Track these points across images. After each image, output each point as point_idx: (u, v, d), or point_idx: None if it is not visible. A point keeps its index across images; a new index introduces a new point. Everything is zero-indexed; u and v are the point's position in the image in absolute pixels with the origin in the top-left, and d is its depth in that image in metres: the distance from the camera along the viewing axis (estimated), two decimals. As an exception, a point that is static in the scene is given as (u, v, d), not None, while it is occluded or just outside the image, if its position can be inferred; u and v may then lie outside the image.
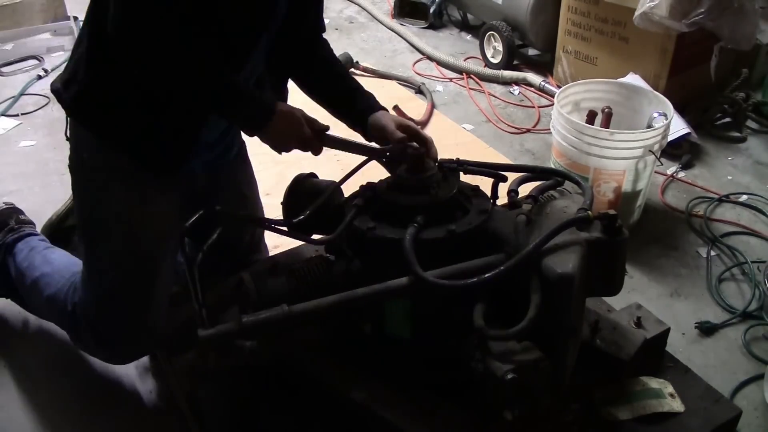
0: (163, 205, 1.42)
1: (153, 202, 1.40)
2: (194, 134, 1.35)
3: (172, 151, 1.35)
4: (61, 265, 1.61)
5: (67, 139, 1.42)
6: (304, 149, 1.33)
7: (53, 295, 1.57)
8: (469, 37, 3.73)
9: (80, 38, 1.33)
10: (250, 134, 1.31)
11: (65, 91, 1.36)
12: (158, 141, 1.33)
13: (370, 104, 1.44)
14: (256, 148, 1.72)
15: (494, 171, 1.30)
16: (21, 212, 1.85)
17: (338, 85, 1.49)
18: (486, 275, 1.04)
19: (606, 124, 2.14)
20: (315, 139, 1.32)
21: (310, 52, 1.50)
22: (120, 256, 1.41)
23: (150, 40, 1.17)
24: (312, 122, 1.32)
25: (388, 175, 1.33)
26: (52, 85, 1.39)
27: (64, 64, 1.44)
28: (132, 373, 1.65)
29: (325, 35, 1.54)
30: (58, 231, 1.80)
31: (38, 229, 1.84)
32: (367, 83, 3.10)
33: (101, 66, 1.30)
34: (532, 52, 3.46)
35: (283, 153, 1.34)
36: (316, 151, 1.35)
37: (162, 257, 1.43)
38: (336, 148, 1.36)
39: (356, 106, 1.45)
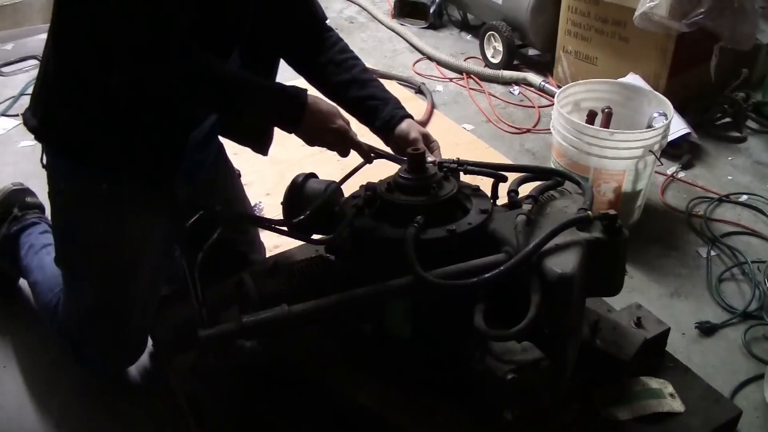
0: (143, 228, 1.42)
1: (131, 227, 1.40)
2: (185, 138, 1.34)
3: (165, 162, 1.34)
4: (51, 275, 1.60)
5: (44, 166, 1.41)
6: (336, 145, 1.33)
7: (43, 306, 1.58)
8: (469, 37, 3.73)
9: (44, 66, 1.31)
10: (288, 131, 1.30)
11: (32, 118, 1.35)
12: (149, 154, 1.32)
13: (395, 112, 1.42)
14: (256, 148, 1.73)
15: (494, 171, 1.30)
16: (28, 194, 1.82)
17: (358, 91, 1.45)
18: (486, 275, 1.04)
19: (606, 124, 2.14)
20: (347, 135, 1.32)
21: (310, 50, 1.48)
22: (98, 281, 1.42)
23: (159, 49, 1.14)
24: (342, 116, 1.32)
25: (388, 175, 1.33)
26: (23, 117, 1.38)
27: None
28: (132, 373, 1.65)
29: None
30: None
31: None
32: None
33: (81, 94, 1.27)
34: (532, 52, 3.46)
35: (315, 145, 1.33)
36: (345, 152, 1.35)
37: (139, 278, 1.43)
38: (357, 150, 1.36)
39: (380, 114, 1.43)
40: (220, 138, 1.64)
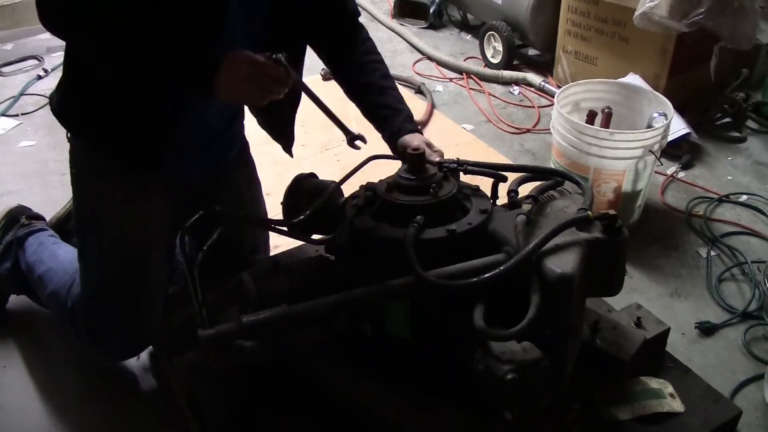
0: (152, 207, 1.43)
1: (141, 204, 1.41)
2: (170, 127, 1.34)
3: (151, 147, 1.35)
4: (66, 261, 1.62)
5: (68, 139, 1.44)
6: (269, 95, 1.20)
7: (56, 290, 1.58)
8: (469, 37, 3.73)
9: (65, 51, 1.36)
10: (203, 94, 1.19)
11: (55, 94, 1.40)
12: (135, 138, 1.34)
13: (403, 125, 1.43)
14: (256, 147, 1.73)
15: (494, 171, 1.30)
16: (29, 210, 1.87)
17: (374, 98, 1.46)
18: (486, 275, 1.04)
19: (606, 124, 2.14)
20: (276, 77, 1.18)
21: (338, 46, 1.48)
22: (108, 256, 1.43)
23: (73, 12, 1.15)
24: (265, 64, 1.17)
25: (388, 174, 1.33)
26: (49, 99, 1.43)
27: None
28: (132, 373, 1.65)
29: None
30: (58, 234, 1.80)
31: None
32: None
33: (75, 67, 1.33)
34: (532, 52, 3.46)
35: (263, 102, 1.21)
36: (281, 90, 1.21)
37: (151, 258, 1.44)
38: (305, 92, 1.27)
39: (390, 125, 1.44)
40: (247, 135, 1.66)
